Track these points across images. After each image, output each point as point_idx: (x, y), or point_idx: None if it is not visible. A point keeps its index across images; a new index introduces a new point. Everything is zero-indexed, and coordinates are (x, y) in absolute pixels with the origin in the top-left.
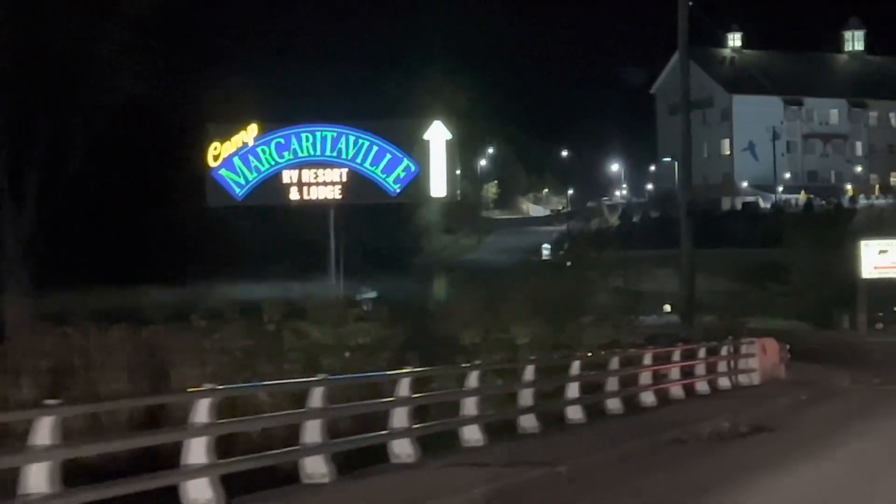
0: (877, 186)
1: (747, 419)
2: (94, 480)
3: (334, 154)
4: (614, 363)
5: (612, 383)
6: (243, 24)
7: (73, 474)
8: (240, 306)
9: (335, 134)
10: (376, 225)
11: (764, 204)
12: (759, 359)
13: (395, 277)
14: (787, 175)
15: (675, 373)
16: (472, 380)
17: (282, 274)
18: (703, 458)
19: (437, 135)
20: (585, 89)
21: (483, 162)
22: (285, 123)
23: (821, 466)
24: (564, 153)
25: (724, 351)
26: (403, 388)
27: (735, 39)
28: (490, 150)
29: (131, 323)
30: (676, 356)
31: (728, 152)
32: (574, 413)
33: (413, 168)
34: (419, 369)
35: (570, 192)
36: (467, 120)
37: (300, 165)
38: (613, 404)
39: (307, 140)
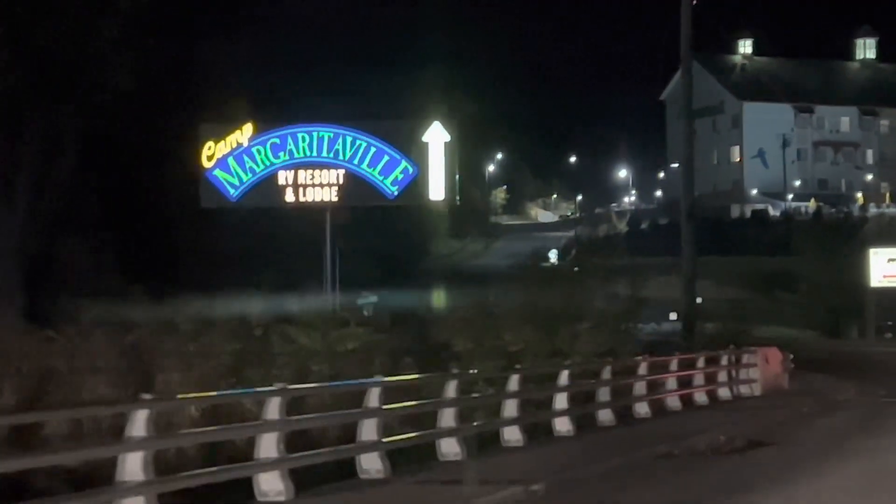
0: (887, 195)
1: (744, 432)
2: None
3: (331, 155)
4: (606, 373)
5: (603, 394)
6: (238, 20)
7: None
8: (228, 309)
9: (332, 134)
10: (383, 229)
11: (773, 212)
12: (761, 368)
13: (401, 282)
14: (797, 183)
15: (671, 383)
16: (451, 390)
17: (276, 277)
18: (693, 474)
19: (436, 136)
20: (596, 95)
21: (491, 167)
22: (281, 123)
23: (817, 485)
24: (573, 159)
25: (724, 360)
26: (373, 398)
27: (746, 46)
28: (499, 156)
29: (117, 326)
30: (673, 365)
31: (738, 159)
32: (562, 425)
33: (411, 170)
34: (390, 378)
35: (579, 198)
36: (476, 125)
37: (296, 166)
38: (605, 416)
39: (303, 140)
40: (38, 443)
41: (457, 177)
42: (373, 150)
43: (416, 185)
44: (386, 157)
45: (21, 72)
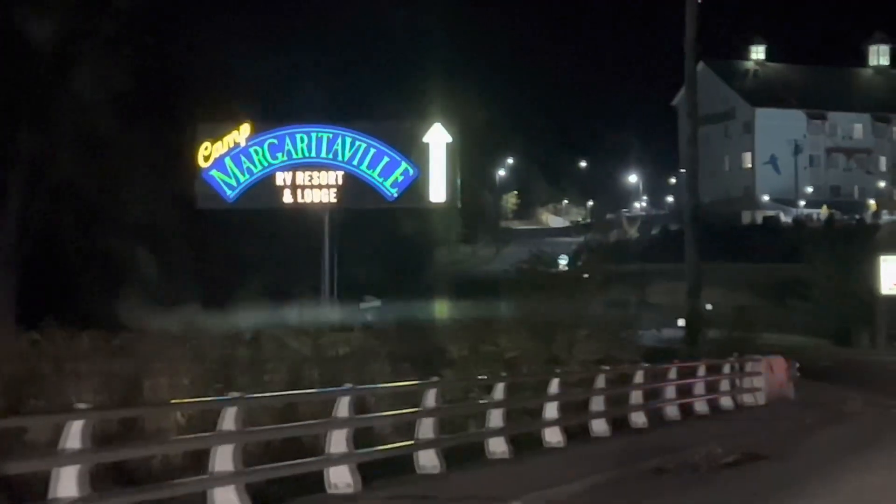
0: None
1: (742, 444)
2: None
3: (330, 156)
4: (600, 381)
5: (597, 403)
6: (235, 17)
7: None
8: (219, 313)
9: (331, 135)
10: (392, 233)
11: (785, 218)
12: (766, 377)
13: (408, 286)
14: (810, 189)
15: (670, 391)
16: (430, 399)
17: (273, 281)
18: (683, 491)
19: (438, 137)
20: (608, 100)
21: (502, 172)
22: (280, 123)
23: None
24: (584, 164)
25: (726, 368)
26: (342, 408)
27: (758, 52)
28: (510, 160)
29: (106, 329)
30: (672, 374)
31: (750, 165)
32: (552, 436)
33: (412, 172)
34: (361, 387)
35: (591, 203)
36: (487, 129)
37: (294, 167)
38: (599, 426)
39: (302, 141)
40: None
41: (458, 179)
42: (372, 151)
43: (416, 186)
44: (386, 159)
45: (13, 70)
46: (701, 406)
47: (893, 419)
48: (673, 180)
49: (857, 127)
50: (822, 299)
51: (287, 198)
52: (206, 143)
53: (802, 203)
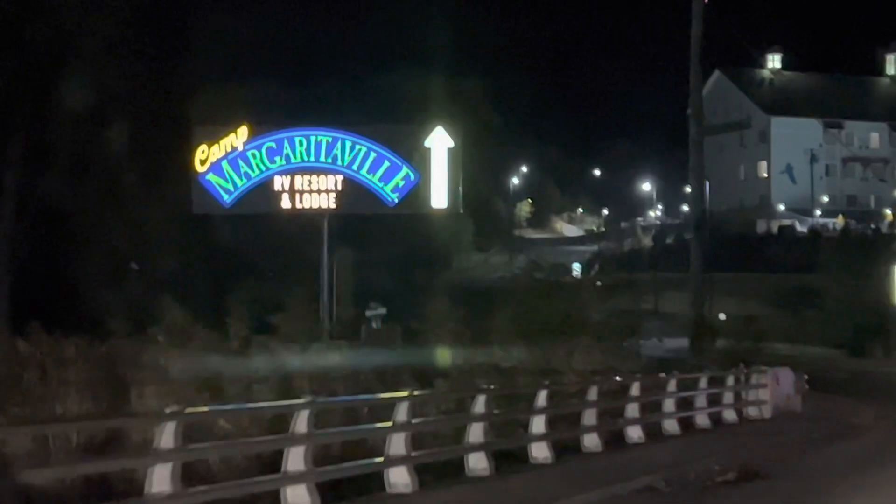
0: None
1: (743, 461)
2: None
3: (329, 160)
4: (593, 393)
5: (589, 416)
6: (234, 19)
7: None
8: (211, 321)
9: (330, 139)
10: (403, 240)
11: (801, 227)
12: (771, 390)
13: (419, 294)
14: (825, 199)
15: (669, 404)
16: (401, 413)
17: (270, 287)
18: None
19: (439, 142)
20: (622, 109)
21: (515, 180)
22: (278, 126)
23: None
24: (597, 173)
25: (730, 380)
26: (301, 423)
27: (774, 61)
28: (524, 169)
29: (93, 335)
30: (672, 386)
31: (765, 175)
32: (539, 451)
33: (413, 177)
34: (323, 399)
35: (605, 212)
36: (501, 137)
37: (293, 172)
38: (591, 441)
39: (301, 145)
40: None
41: (460, 185)
42: (373, 155)
43: (417, 192)
44: (386, 163)
45: (9, 69)
46: (702, 420)
47: None
48: (688, 189)
49: (874, 136)
50: (836, 309)
51: (285, 203)
52: (203, 147)
53: (818, 212)
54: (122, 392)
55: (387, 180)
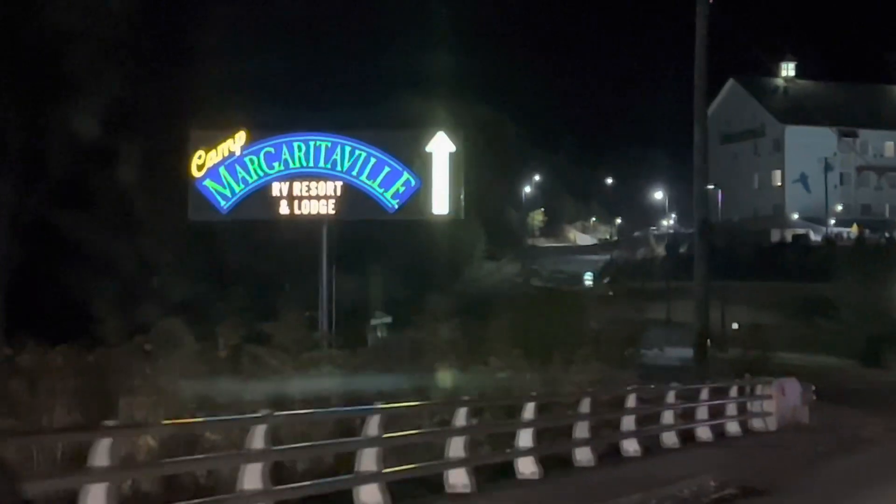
0: None
1: (743, 476)
2: None
3: (328, 165)
4: (585, 405)
5: (581, 429)
6: (231, 21)
7: None
8: (203, 330)
9: (329, 144)
10: (415, 248)
11: (815, 237)
12: (777, 401)
13: (423, 302)
14: (840, 208)
15: (668, 416)
16: (372, 427)
17: (267, 295)
18: None
19: (441, 147)
20: (635, 117)
21: (528, 189)
22: (276, 131)
23: None
24: (610, 181)
25: (733, 391)
26: (257, 438)
27: (788, 69)
28: (536, 177)
29: (81, 344)
30: (671, 397)
31: (779, 184)
32: (525, 466)
33: (413, 182)
34: (280, 413)
35: (618, 221)
36: (513, 146)
37: (291, 177)
38: (582, 455)
39: (299, 150)
40: None
41: (462, 190)
42: (373, 160)
43: (418, 198)
44: (386, 169)
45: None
46: (703, 432)
47: None
48: None
49: (889, 145)
50: (850, 319)
51: (283, 209)
52: (200, 152)
53: (832, 221)
54: (111, 402)
55: (387, 186)
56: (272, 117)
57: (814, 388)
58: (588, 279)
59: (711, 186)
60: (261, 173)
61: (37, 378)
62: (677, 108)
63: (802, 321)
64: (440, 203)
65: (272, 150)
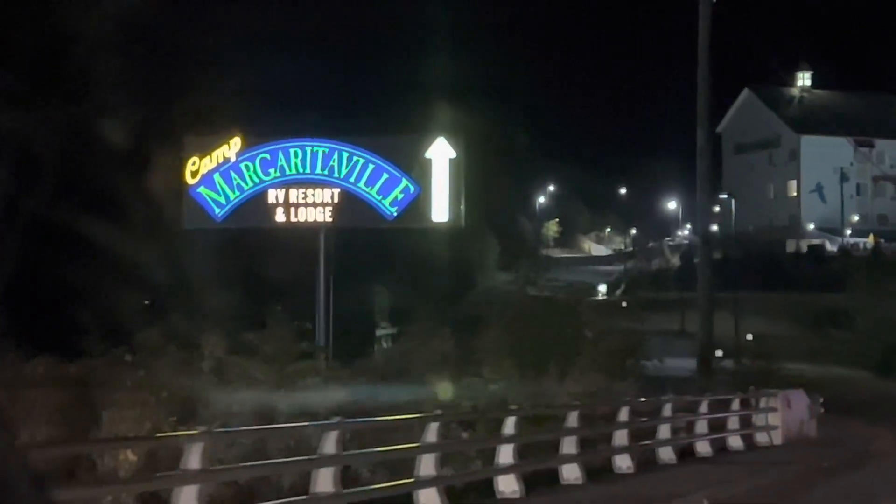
0: None
1: (741, 494)
2: None
3: (325, 172)
4: (572, 419)
5: (569, 444)
6: (227, 25)
7: None
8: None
9: (327, 150)
10: (428, 259)
11: (831, 247)
12: (782, 414)
13: (440, 313)
14: (856, 218)
15: (664, 430)
16: (329, 444)
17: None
18: None
19: (441, 153)
20: (650, 128)
21: (542, 199)
22: (272, 137)
23: None
24: (623, 191)
25: (735, 404)
26: (192, 457)
27: (804, 79)
28: (551, 188)
29: (62, 357)
30: (667, 410)
31: (795, 194)
32: (507, 485)
33: (412, 189)
34: (233, 429)
35: (633, 231)
36: (528, 156)
37: (287, 184)
38: (570, 472)
39: (296, 156)
40: None
41: (462, 197)
42: (371, 167)
43: (417, 205)
44: (385, 175)
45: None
46: (703, 447)
47: None
48: (717, 208)
49: None
50: (866, 329)
51: (280, 217)
52: (194, 158)
53: (848, 232)
54: (93, 415)
55: (385, 193)
56: (268, 123)
57: (822, 399)
58: (601, 290)
59: (725, 196)
60: (256, 180)
61: (16, 389)
62: (694, 118)
63: (817, 332)
64: (440, 210)
65: (268, 156)
